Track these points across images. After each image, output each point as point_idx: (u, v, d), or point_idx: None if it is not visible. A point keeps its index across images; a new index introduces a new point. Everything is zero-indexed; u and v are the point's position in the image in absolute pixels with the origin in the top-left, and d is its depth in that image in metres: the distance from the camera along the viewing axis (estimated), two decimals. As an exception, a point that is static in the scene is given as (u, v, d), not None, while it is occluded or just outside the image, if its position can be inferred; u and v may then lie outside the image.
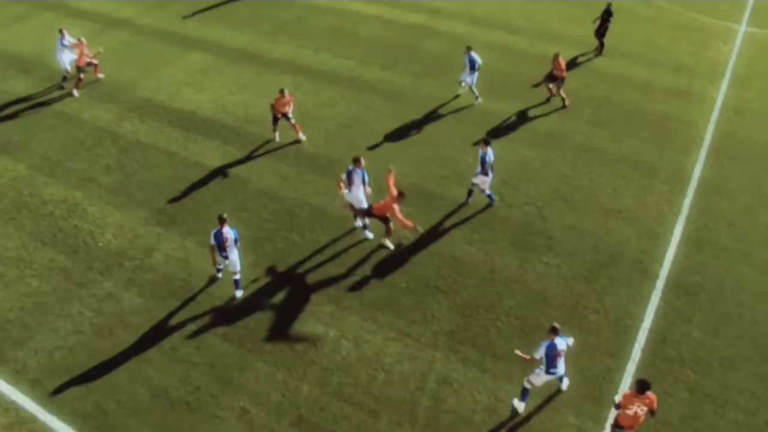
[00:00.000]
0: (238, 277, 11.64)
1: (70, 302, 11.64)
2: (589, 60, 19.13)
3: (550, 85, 17.00)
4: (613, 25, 20.64)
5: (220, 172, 14.77)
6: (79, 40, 17.74)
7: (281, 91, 15.11)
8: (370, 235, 12.77)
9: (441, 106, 17.00)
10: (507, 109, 16.85)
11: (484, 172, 12.97)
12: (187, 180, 14.50)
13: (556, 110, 16.85)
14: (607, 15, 19.02)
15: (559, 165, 14.95)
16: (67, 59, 17.71)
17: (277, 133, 15.65)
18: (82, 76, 17.66)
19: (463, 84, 16.72)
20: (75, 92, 17.74)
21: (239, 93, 17.84)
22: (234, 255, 11.40)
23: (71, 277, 12.16)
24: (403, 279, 11.90)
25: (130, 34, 20.84)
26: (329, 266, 12.18)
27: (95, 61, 17.95)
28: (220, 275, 12.00)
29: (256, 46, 20.07)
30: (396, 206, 11.63)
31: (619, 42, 20.14)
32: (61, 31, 17.71)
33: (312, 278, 11.87)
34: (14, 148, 15.80)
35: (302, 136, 15.57)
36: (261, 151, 15.48)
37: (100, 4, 22.85)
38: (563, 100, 16.98)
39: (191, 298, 11.60)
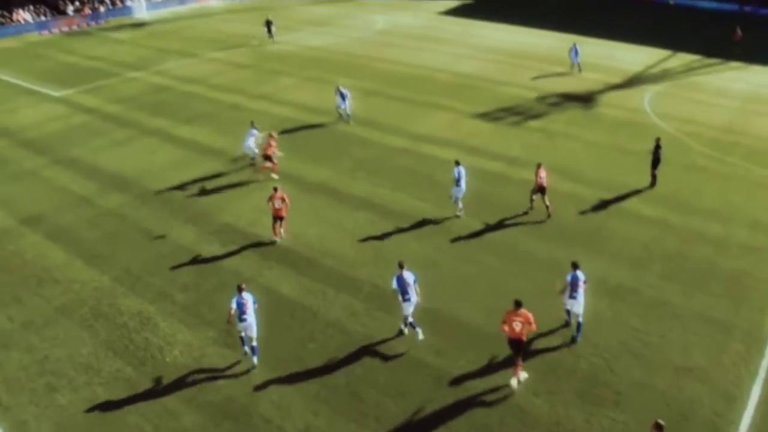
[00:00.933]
0: (255, 344, 13.45)
1: (130, 413, 12.23)
2: (661, 216, 19.64)
3: (534, 197, 19.27)
4: (688, 181, 21.50)
5: (291, 301, 15.50)
6: (270, 135, 22.13)
7: (275, 189, 17.97)
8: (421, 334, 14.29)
9: (512, 252, 17.47)
10: (576, 257, 17.26)
11: (572, 296, 14.18)
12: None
13: (625, 262, 17.21)
14: (656, 149, 20.76)
15: (628, 317, 14.98)
16: (252, 145, 22.20)
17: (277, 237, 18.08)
18: (269, 164, 21.36)
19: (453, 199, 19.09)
20: (274, 176, 21.49)
21: (316, 225, 18.69)
22: (252, 319, 13.29)
23: (135, 388, 12.83)
24: (464, 426, 12.01)
25: (222, 163, 23.13)
26: (389, 404, 12.50)
27: (275, 160, 21.37)
28: (246, 348, 13.75)
29: (336, 181, 21.43)
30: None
31: (693, 197, 20.59)
32: (252, 123, 23.12)
33: (372, 418, 12.19)
34: (102, 261, 17.49)
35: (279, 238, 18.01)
36: (333, 282, 16.16)
37: (198, 134, 25.89)
38: (547, 208, 19.01)
39: (248, 423, 11.98)
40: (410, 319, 14.25)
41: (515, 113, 28.02)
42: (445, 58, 36.38)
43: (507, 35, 43.57)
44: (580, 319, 14.26)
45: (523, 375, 13.23)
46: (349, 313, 15.26)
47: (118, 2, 55.39)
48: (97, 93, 31.45)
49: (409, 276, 13.90)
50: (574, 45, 34.40)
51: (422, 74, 33.37)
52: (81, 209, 20.21)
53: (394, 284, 13.89)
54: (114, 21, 52.18)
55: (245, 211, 19.81)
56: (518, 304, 12.85)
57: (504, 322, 12.89)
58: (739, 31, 38.83)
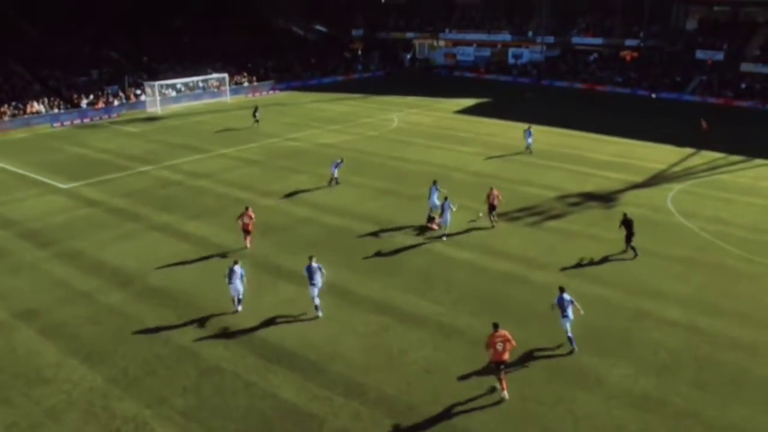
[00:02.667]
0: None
1: None
2: (689, 319, 19.57)
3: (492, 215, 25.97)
4: (716, 283, 21.57)
5: (295, 408, 15.27)
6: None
7: (246, 208, 24.13)
8: None
9: (530, 354, 17.57)
10: (599, 365, 17.24)
11: None
12: (259, 412, 15.06)
13: (652, 369, 16.96)
14: (625, 222, 23.84)
15: (658, 430, 14.71)
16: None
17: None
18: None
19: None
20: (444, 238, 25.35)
21: (325, 327, 18.78)
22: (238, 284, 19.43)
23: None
24: None
25: (230, 261, 23.58)
26: None
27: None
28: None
29: (346, 281, 21.62)
30: None
31: (722, 300, 20.53)
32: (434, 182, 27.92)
33: None
34: (97, 359, 17.32)
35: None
36: (340, 389, 16.06)
37: (205, 230, 26.54)
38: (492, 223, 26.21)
39: None
40: None
41: (533, 213, 28.53)
42: (460, 157, 37.62)
43: (521, 134, 45.39)
44: (570, 334, 17.67)
45: (505, 393, 15.42)
46: (355, 419, 15.13)
47: (132, 96, 58.88)
48: (105, 186, 32.58)
49: None
50: (528, 128, 39.20)
51: (437, 173, 34.50)
52: (79, 304, 20.32)
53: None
54: (127, 114, 55.03)
55: (252, 313, 19.87)
56: (496, 326, 15.58)
57: (487, 346, 15.44)
58: (704, 123, 40.88)
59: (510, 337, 15.59)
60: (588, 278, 22.14)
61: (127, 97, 58.49)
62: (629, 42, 74.20)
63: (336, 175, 32.32)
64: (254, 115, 49.30)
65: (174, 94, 61.22)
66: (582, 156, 38.69)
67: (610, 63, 75.09)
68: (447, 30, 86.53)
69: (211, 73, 64.83)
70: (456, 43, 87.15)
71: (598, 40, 76.87)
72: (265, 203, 29.52)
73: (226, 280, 19.68)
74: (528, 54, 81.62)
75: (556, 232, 26.38)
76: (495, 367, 15.58)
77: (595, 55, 78.29)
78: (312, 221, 27.41)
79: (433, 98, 62.45)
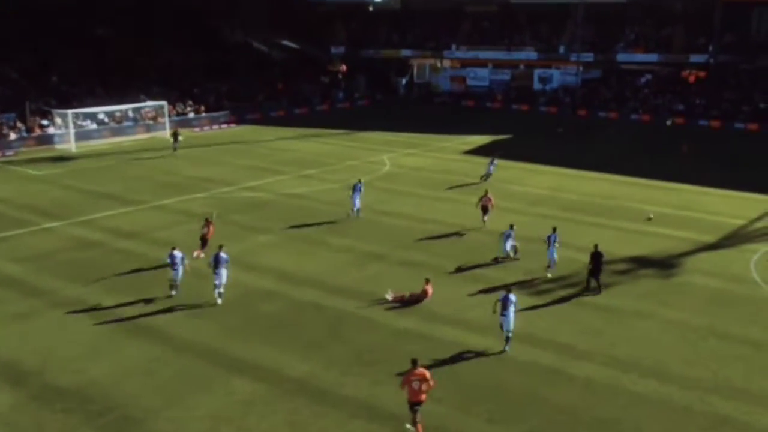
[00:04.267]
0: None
1: None
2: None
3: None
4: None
5: None
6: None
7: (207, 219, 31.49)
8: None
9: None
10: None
11: None
12: None
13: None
14: (595, 256, 27.50)
15: None
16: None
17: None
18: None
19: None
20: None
21: None
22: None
23: None
24: None
25: (163, 349, 23.22)
26: None
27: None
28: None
29: (320, 379, 21.34)
30: None
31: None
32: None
33: None
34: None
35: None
36: None
37: (128, 309, 26.15)
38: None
39: None
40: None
41: (567, 284, 28.46)
42: (470, 211, 37.78)
43: (551, 180, 45.78)
44: (510, 334, 22.74)
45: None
46: None
47: (36, 128, 59.10)
48: (-4, 249, 32.43)
49: None
50: (493, 159, 46.36)
51: (439, 231, 34.48)
52: (-48, 413, 19.67)
53: None
54: (28, 151, 55.27)
55: (188, 420, 19.38)
56: (414, 363, 18.15)
57: (402, 384, 18.09)
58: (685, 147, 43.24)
59: (428, 376, 18.15)
60: (646, 372, 21.88)
61: (29, 129, 58.75)
62: (694, 58, 74.78)
63: (358, 205, 37.20)
64: (174, 140, 51.34)
65: (94, 126, 61.84)
66: (631, 208, 38.97)
67: (668, 86, 76.13)
68: (454, 47, 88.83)
69: (144, 100, 65.62)
70: (465, 64, 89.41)
71: (652, 57, 78.09)
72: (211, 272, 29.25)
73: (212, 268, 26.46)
74: (559, 76, 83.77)
75: (599, 309, 26.20)
76: (410, 408, 18.15)
77: (648, 76, 79.83)
78: (276, 296, 27.17)
79: (436, 135, 63.29)
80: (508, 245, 31.11)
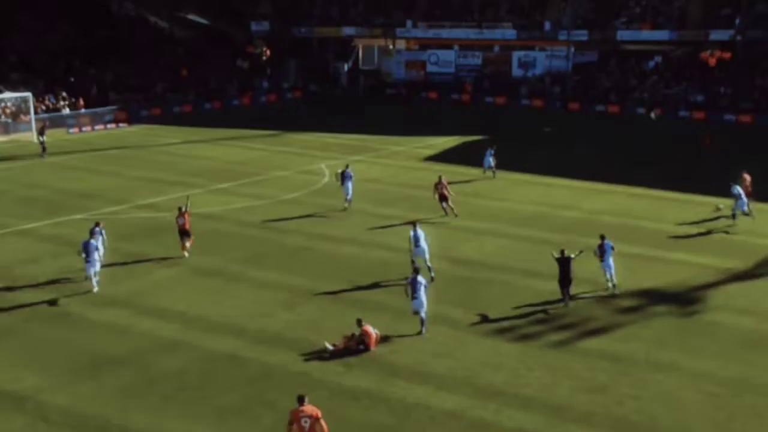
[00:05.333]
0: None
1: None
2: None
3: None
4: None
5: None
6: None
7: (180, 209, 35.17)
8: None
9: None
10: None
11: None
12: None
13: None
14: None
15: None
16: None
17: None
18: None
19: None
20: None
21: None
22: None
23: None
24: None
25: (28, 422, 22.69)
26: None
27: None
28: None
29: None
30: None
31: None
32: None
33: None
34: None
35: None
36: None
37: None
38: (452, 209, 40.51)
39: None
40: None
41: (556, 327, 28.64)
42: (436, 234, 37.85)
43: (539, 193, 46.22)
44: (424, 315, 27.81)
45: None
46: None
47: None
48: None
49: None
50: (489, 150, 50.27)
51: (393, 260, 34.58)
52: None
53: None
54: None
55: None
56: (301, 400, 19.45)
57: (290, 422, 19.22)
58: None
59: (320, 415, 19.34)
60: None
61: None
62: (716, 35, 75.26)
63: (351, 194, 42.79)
64: (39, 138, 52.77)
65: (-76, 126, 60.69)
66: (642, 228, 39.43)
67: (683, 71, 76.98)
68: (410, 23, 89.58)
69: (2, 92, 64.74)
70: (425, 45, 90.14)
71: (662, 35, 79.09)
72: (98, 318, 28.95)
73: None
74: (545, 60, 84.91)
75: (604, 358, 26.31)
76: None
77: (657, 58, 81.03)
78: (181, 347, 26.89)
79: (388, 136, 63.52)
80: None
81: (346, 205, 42.46)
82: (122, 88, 75.09)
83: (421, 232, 32.42)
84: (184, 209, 35.51)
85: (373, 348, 26.60)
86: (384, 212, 42.23)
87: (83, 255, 31.44)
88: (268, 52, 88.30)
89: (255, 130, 66.00)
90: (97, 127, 67.67)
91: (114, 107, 70.96)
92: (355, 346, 26.65)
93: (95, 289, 31.26)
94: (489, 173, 50.21)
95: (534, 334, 27.99)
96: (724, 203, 40.79)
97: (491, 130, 65.42)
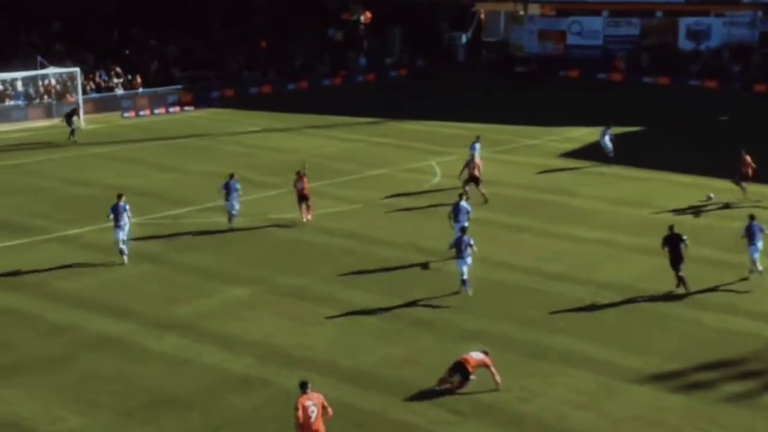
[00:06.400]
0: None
1: None
2: None
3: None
4: None
5: None
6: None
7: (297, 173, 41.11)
8: None
9: None
10: None
11: None
12: None
13: None
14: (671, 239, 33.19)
15: None
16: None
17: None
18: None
19: None
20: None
21: None
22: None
23: None
24: None
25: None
26: None
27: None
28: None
29: None
30: None
31: None
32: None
33: None
34: None
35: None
36: None
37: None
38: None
39: None
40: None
41: (734, 373, 27.94)
42: (576, 249, 37.38)
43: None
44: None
45: None
46: None
47: None
48: None
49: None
50: (606, 130, 53.12)
51: (519, 285, 34.54)
52: None
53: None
54: None
55: None
56: (304, 386, 21.53)
57: (296, 410, 21.13)
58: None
59: (326, 402, 21.51)
60: None
61: None
62: None
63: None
64: (68, 123, 55.23)
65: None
66: None
67: None
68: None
69: (44, 66, 66.24)
70: (564, 10, 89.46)
71: None
72: (156, 347, 29.41)
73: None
74: (722, 29, 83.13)
75: None
76: None
77: None
78: (256, 385, 27.09)
79: (517, 126, 63.21)
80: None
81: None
82: (188, 63, 76.24)
83: (467, 239, 33.57)
84: (302, 172, 41.00)
85: (472, 374, 26.47)
86: (513, 222, 42.07)
87: (111, 218, 35.91)
88: (368, 19, 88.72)
89: (349, 117, 66.56)
90: (156, 111, 69.15)
91: (178, 87, 72.21)
92: (449, 377, 26.57)
93: (125, 259, 35.65)
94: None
95: (704, 382, 27.29)
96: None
97: (651, 121, 64.58)
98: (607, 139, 52.49)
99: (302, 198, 41.07)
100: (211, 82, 74.50)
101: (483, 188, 44.41)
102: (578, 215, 42.34)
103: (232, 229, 40.57)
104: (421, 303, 32.94)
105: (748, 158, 45.76)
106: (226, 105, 71.54)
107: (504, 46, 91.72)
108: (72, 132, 57.71)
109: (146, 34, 78.12)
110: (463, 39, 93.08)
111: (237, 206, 40.34)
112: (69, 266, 36.35)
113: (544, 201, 45.36)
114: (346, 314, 31.96)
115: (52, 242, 39.23)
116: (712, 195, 45.42)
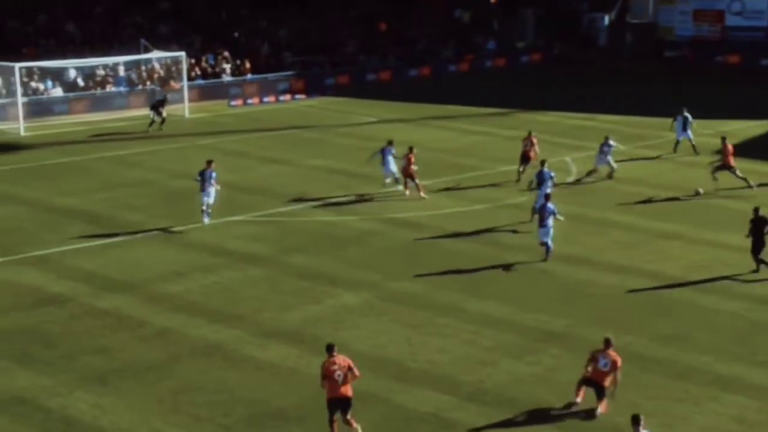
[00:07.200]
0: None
1: None
2: None
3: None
4: None
5: None
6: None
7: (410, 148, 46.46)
8: None
9: None
10: None
11: None
12: None
13: None
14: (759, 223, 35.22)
15: None
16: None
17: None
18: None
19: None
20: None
21: None
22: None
23: None
24: None
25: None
26: None
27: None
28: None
29: None
30: None
31: None
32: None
33: None
34: None
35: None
36: None
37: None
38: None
39: None
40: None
41: None
42: (718, 255, 36.78)
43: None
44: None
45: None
46: None
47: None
48: None
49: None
50: (678, 117, 54.61)
51: (662, 297, 33.89)
52: None
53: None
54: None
55: None
56: (331, 349, 23.90)
57: (323, 376, 23.77)
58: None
59: (353, 364, 23.91)
60: None
61: None
62: None
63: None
64: (157, 112, 57.81)
65: (59, 91, 64.45)
66: None
67: None
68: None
69: (148, 49, 67.69)
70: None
71: None
72: (261, 355, 29.74)
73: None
74: None
75: None
76: (335, 408, 23.80)
77: None
78: (372, 401, 27.19)
79: (664, 118, 62.29)
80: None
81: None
82: (301, 47, 76.72)
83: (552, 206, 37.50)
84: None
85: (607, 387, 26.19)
86: (659, 227, 41.64)
87: (198, 180, 41.12)
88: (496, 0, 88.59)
89: (475, 107, 66.48)
90: (266, 99, 69.94)
91: (289, 73, 72.77)
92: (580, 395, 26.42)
93: (206, 221, 40.76)
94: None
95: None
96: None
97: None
98: (680, 123, 54.86)
99: (408, 176, 45.17)
100: (324, 67, 74.96)
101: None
102: (734, 221, 41.46)
103: (344, 228, 41.06)
104: (553, 315, 32.67)
105: (730, 147, 47.69)
106: (340, 93, 72.13)
107: (652, 29, 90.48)
108: (162, 121, 59.08)
109: (257, 15, 78.87)
110: (606, 21, 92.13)
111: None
112: (171, 266, 36.91)
113: (695, 204, 44.86)
114: (469, 325, 31.85)
115: (153, 240, 39.97)
116: (700, 190, 46.27)
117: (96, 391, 27.04)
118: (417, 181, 45.16)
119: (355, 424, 24.06)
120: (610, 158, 49.20)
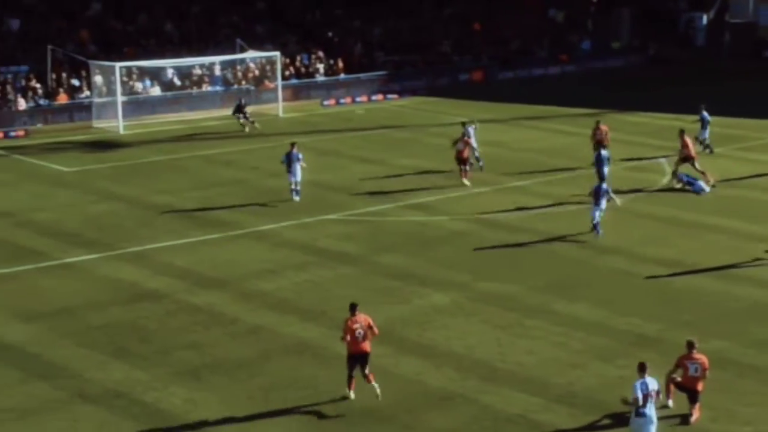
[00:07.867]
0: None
1: None
2: None
3: None
4: None
5: None
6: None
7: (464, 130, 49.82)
8: None
9: None
10: None
11: None
12: None
13: None
14: None
15: None
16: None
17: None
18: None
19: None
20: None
21: None
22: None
23: None
24: None
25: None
26: None
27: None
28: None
29: None
30: None
31: None
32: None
33: None
34: None
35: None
36: None
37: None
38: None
39: None
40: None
41: None
42: None
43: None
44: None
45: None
46: None
47: (62, 92, 62.53)
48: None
49: None
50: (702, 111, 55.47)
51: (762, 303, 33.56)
52: None
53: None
54: (46, 131, 59.42)
55: None
56: (354, 308, 26.06)
57: (345, 334, 25.79)
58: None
59: (372, 322, 26.11)
60: None
61: (51, 93, 62.51)
62: None
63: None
64: (242, 114, 58.76)
65: (157, 90, 65.48)
66: None
67: None
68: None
69: (244, 49, 68.30)
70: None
71: None
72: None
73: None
74: None
75: None
76: (354, 364, 26.03)
77: None
78: (456, 401, 27.30)
79: (762, 119, 61.61)
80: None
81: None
82: (393, 46, 76.81)
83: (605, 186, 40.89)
84: (467, 136, 48.68)
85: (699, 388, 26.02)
86: (761, 231, 41.18)
87: (283, 162, 45.05)
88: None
89: (568, 107, 66.41)
90: (358, 99, 70.16)
91: (381, 73, 72.94)
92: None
93: (296, 198, 44.61)
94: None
95: None
96: None
97: None
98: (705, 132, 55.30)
99: (461, 161, 47.32)
100: (417, 67, 75.01)
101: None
102: None
103: (434, 228, 41.19)
104: (646, 319, 32.52)
105: (688, 140, 48.77)
106: (433, 93, 72.19)
107: (752, 28, 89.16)
108: (252, 122, 59.87)
109: (350, 15, 79.15)
110: (704, 20, 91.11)
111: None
112: (263, 264, 37.50)
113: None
114: (559, 327, 31.88)
115: (245, 237, 40.59)
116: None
117: (189, 385, 27.62)
118: (467, 167, 47.58)
119: (373, 381, 25.83)
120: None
